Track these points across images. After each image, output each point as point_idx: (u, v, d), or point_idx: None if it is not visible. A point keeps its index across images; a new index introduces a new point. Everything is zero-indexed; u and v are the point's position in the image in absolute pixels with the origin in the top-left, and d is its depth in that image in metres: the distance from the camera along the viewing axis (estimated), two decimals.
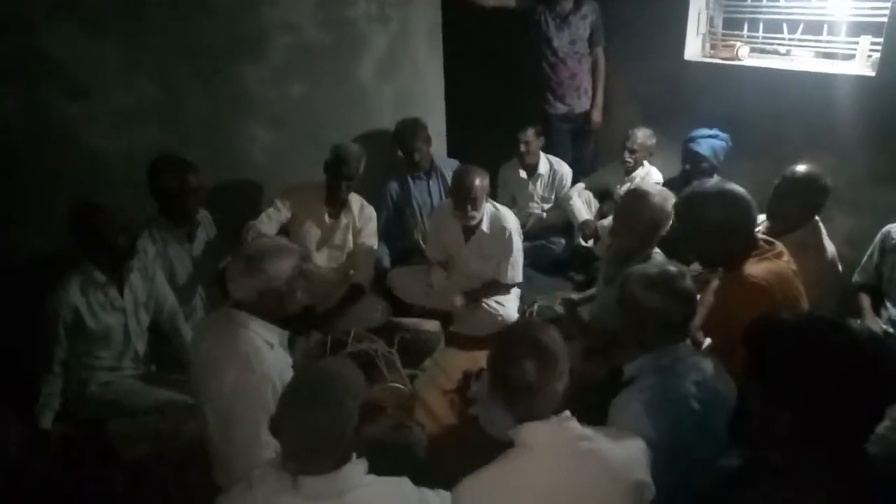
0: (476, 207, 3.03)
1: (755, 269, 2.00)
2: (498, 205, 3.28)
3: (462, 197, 3.00)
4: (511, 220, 3.22)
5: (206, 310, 2.98)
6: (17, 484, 1.90)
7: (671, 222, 2.38)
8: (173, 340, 2.74)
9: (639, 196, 2.44)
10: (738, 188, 2.06)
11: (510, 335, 1.52)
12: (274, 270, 1.90)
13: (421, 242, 3.66)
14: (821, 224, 2.59)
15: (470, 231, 3.20)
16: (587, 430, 1.45)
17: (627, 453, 1.44)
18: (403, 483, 1.47)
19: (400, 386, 2.60)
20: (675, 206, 2.19)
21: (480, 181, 3.00)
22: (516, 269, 3.28)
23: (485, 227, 3.16)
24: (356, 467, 1.40)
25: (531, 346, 1.42)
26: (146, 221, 2.77)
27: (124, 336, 2.54)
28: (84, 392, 2.46)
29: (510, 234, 3.17)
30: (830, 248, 2.58)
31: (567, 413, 1.44)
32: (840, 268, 2.63)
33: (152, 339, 2.70)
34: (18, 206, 2.76)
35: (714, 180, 2.08)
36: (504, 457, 1.42)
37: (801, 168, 2.55)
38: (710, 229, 2.02)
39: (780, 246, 2.09)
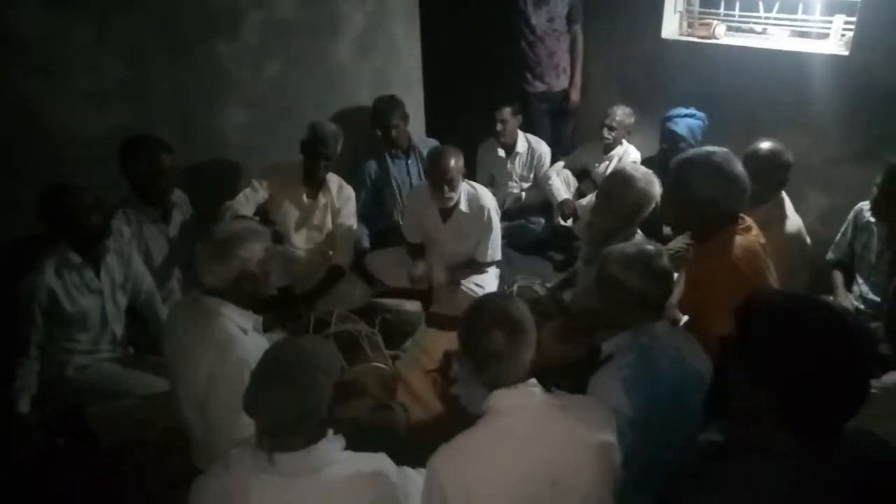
0: (453, 188, 3.02)
1: (729, 244, 2.02)
2: (475, 184, 3.28)
3: (438, 178, 2.99)
4: (489, 199, 3.22)
5: (183, 291, 2.95)
6: None
7: (654, 205, 2.40)
8: (151, 323, 2.72)
9: (625, 178, 2.43)
10: (738, 164, 2.04)
11: (479, 306, 1.55)
12: (245, 254, 1.87)
13: (400, 222, 3.65)
14: (786, 198, 2.63)
15: (448, 212, 3.19)
16: (558, 399, 1.49)
17: (593, 414, 1.49)
18: (381, 458, 1.48)
19: (382, 366, 2.60)
20: (671, 168, 2.14)
21: (456, 162, 2.99)
22: (495, 248, 3.29)
23: (463, 206, 3.16)
24: (332, 444, 1.41)
25: (499, 316, 1.46)
26: (121, 202, 2.73)
27: (101, 319, 2.51)
28: (61, 376, 2.44)
29: (489, 214, 3.18)
30: (796, 221, 2.62)
31: (533, 380, 1.48)
32: (808, 241, 2.68)
33: (129, 322, 2.67)
34: None
35: (717, 150, 2.06)
36: (476, 425, 1.46)
37: (763, 145, 2.60)
38: (701, 199, 2.01)
39: (748, 220, 2.11)
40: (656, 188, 2.39)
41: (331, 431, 1.43)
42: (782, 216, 2.59)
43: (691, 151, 2.16)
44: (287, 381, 1.35)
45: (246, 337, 1.90)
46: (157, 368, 2.44)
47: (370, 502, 1.38)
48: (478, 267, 3.31)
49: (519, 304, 1.52)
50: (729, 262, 1.98)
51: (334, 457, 1.40)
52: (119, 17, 2.89)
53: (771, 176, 2.56)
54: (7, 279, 2.33)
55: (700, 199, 2.01)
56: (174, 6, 3.04)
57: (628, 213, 2.42)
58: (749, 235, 2.07)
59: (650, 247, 1.81)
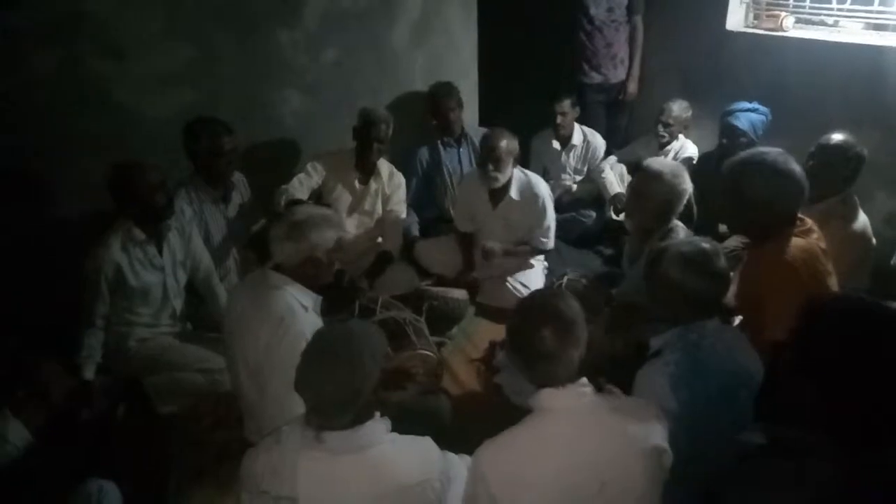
0: (499, 168, 3.01)
1: (785, 246, 1.96)
2: (528, 172, 3.25)
3: (485, 155, 3.01)
4: (542, 187, 3.20)
5: (240, 271, 3.05)
6: (61, 432, 2.00)
7: (688, 198, 2.34)
8: (208, 300, 2.81)
9: (651, 175, 2.39)
10: (794, 165, 1.98)
11: (529, 303, 1.55)
12: (316, 239, 1.95)
13: (451, 210, 3.66)
14: (855, 197, 2.53)
15: (498, 197, 3.19)
16: (608, 400, 1.47)
17: (645, 419, 1.46)
18: (426, 442, 1.51)
19: (428, 353, 2.63)
20: (725, 170, 2.11)
21: (507, 142, 2.99)
22: (549, 235, 3.28)
23: (513, 193, 3.15)
24: (378, 425, 1.44)
25: (549, 313, 1.44)
26: (183, 182, 2.82)
27: (162, 294, 2.61)
28: (123, 347, 2.55)
29: (543, 202, 3.16)
30: (863, 220, 2.52)
31: (584, 380, 1.46)
32: (874, 242, 2.57)
33: (188, 299, 2.77)
34: (58, 166, 2.82)
35: (771, 150, 2.01)
36: (523, 422, 1.45)
37: (834, 135, 2.53)
38: (756, 202, 1.97)
39: (809, 222, 2.05)
40: (685, 181, 2.34)
41: (377, 413, 1.46)
42: (849, 213, 2.50)
43: (744, 153, 2.12)
44: (334, 361, 1.39)
45: (305, 314, 1.96)
46: (213, 344, 2.54)
47: (414, 483, 1.41)
48: (529, 252, 3.29)
49: (570, 302, 1.49)
50: (786, 266, 1.92)
51: (380, 438, 1.43)
52: (187, 3, 2.98)
53: (838, 169, 2.47)
54: (77, 253, 2.44)
55: (755, 201, 1.97)
56: None
57: (658, 209, 2.38)
58: (809, 238, 2.01)
59: (707, 245, 1.77)
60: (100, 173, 2.43)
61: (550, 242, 3.30)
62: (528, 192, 3.15)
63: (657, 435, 1.44)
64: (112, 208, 2.48)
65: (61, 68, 2.74)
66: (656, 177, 2.36)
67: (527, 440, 1.42)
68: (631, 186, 2.53)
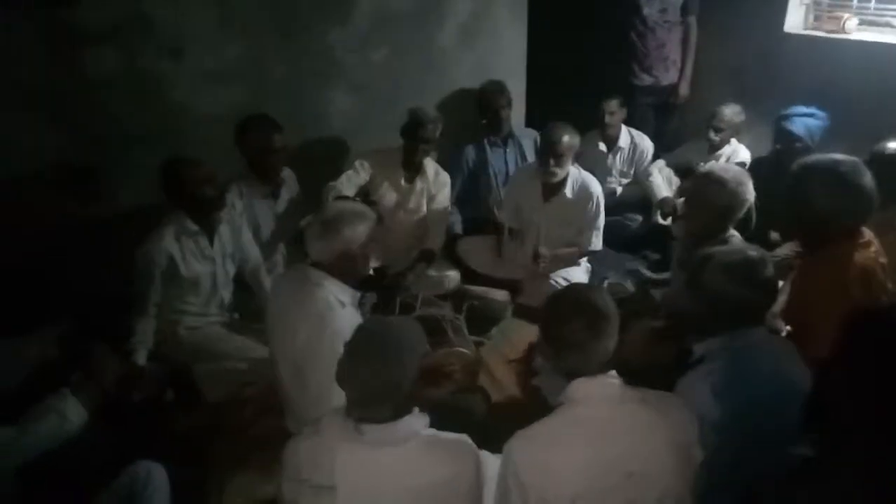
0: (559, 164, 3.00)
1: (840, 259, 1.90)
2: (584, 171, 3.23)
3: (547, 150, 3.00)
4: (597, 187, 3.19)
5: (287, 265, 3.12)
6: (113, 415, 2.08)
7: (747, 207, 2.28)
8: (256, 292, 2.88)
9: (712, 181, 2.31)
10: (866, 178, 1.89)
11: (563, 294, 1.58)
12: (349, 235, 1.98)
13: (495, 210, 3.66)
14: None
15: (551, 192, 3.17)
16: (640, 393, 1.48)
17: (674, 410, 1.47)
18: (463, 439, 1.52)
19: (465, 351, 2.64)
20: (793, 172, 2.04)
21: (570, 138, 2.98)
22: (598, 236, 3.26)
23: (567, 191, 3.14)
24: (417, 419, 1.46)
25: (582, 305, 1.46)
26: (235, 177, 2.90)
27: (212, 284, 2.69)
28: (174, 334, 2.64)
29: (597, 201, 3.15)
30: None
31: (613, 371, 1.47)
32: None
33: (236, 290, 2.85)
34: (114, 161, 2.95)
35: (845, 159, 1.94)
36: (554, 412, 1.47)
37: (891, 143, 2.44)
38: (818, 211, 1.91)
39: (867, 235, 1.97)
40: (748, 190, 2.27)
41: (416, 409, 1.48)
42: None
43: (817, 156, 2.03)
44: (375, 355, 1.42)
45: (343, 310, 1.99)
46: (259, 334, 2.59)
47: (451, 477, 1.43)
48: (576, 254, 3.28)
49: (603, 295, 1.51)
50: (840, 281, 1.86)
51: (418, 432, 1.45)
52: (240, 2, 3.07)
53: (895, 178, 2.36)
54: (131, 245, 2.54)
55: (819, 209, 1.90)
56: None
57: (716, 217, 2.31)
58: (867, 252, 1.93)
59: (753, 253, 1.73)
60: (154, 168, 2.53)
61: (599, 244, 3.28)
62: (583, 191, 3.15)
63: (687, 429, 1.44)
64: (165, 201, 2.57)
65: (119, 67, 2.86)
66: (719, 183, 2.28)
67: (556, 428, 1.45)
68: (690, 190, 2.47)
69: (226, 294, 2.77)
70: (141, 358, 2.50)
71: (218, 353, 2.61)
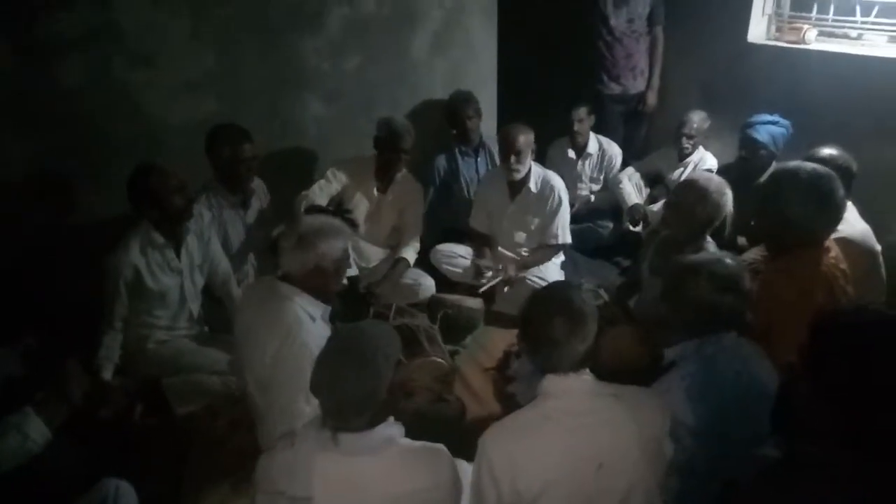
0: (520, 160, 3.15)
1: (802, 266, 1.95)
2: (546, 169, 3.36)
3: (507, 149, 3.14)
4: (558, 181, 3.32)
5: (257, 276, 3.08)
6: (79, 432, 2.03)
7: (721, 217, 2.32)
8: (225, 303, 2.85)
9: (697, 190, 2.37)
10: (838, 190, 1.95)
11: (545, 292, 1.62)
12: (324, 250, 1.96)
13: (468, 220, 3.67)
14: (851, 206, 2.49)
15: (516, 189, 3.29)
16: (614, 388, 1.51)
17: (646, 404, 1.51)
18: (439, 448, 1.52)
19: (440, 360, 2.64)
20: (771, 175, 2.12)
21: (525, 136, 3.13)
22: (564, 229, 3.34)
23: (532, 185, 3.27)
24: (392, 428, 1.46)
25: (563, 304, 1.49)
26: (204, 187, 2.86)
27: (180, 297, 2.64)
28: (142, 349, 2.59)
29: (558, 194, 3.27)
30: (858, 226, 2.47)
31: (586, 369, 1.50)
32: (878, 248, 2.50)
33: (205, 302, 2.80)
34: (83, 170, 2.88)
35: (822, 170, 1.99)
36: (528, 406, 1.51)
37: (823, 150, 2.53)
38: (789, 217, 1.95)
39: (826, 242, 2.03)
40: (729, 200, 2.32)
41: (391, 417, 1.47)
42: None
43: (795, 164, 2.08)
44: (349, 363, 1.40)
45: (313, 324, 1.97)
46: (229, 347, 2.55)
47: (429, 486, 1.42)
48: (547, 253, 3.34)
49: (583, 295, 1.55)
50: (804, 288, 1.91)
51: (394, 441, 1.45)
52: (213, 11, 3.04)
53: None
54: (100, 255, 2.49)
55: (790, 216, 1.95)
56: (264, 2, 3.17)
57: (698, 225, 2.36)
58: (827, 258, 1.98)
59: (730, 261, 1.76)
60: (123, 177, 2.48)
61: (567, 236, 3.35)
62: (545, 185, 3.28)
63: (657, 423, 1.48)
64: (133, 211, 2.52)
65: (90, 76, 2.81)
66: (701, 192, 2.35)
67: (528, 420, 1.47)
68: (673, 199, 2.52)
69: (194, 306, 2.72)
70: (107, 373, 2.45)
71: (187, 366, 2.56)
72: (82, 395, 1.89)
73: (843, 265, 2.02)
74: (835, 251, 2.03)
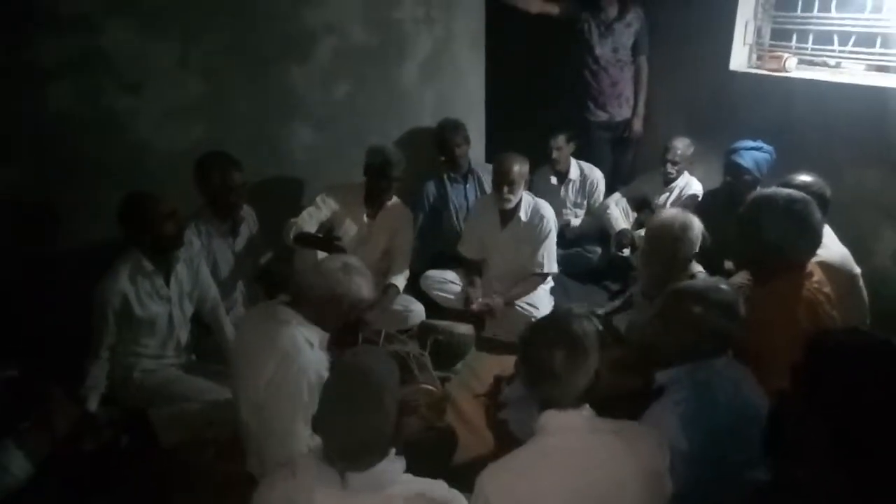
0: (513, 191, 3.17)
1: (786, 293, 1.96)
2: (537, 198, 3.38)
3: (500, 179, 3.16)
4: (548, 210, 3.35)
5: (246, 304, 3.06)
6: (63, 460, 1.98)
7: (697, 247, 2.36)
8: (214, 332, 2.82)
9: (659, 227, 2.46)
10: (815, 214, 1.99)
11: (546, 322, 1.59)
12: (353, 287, 1.98)
13: (457, 247, 3.67)
14: (829, 230, 2.52)
15: (507, 218, 3.31)
16: (613, 425, 1.48)
17: (645, 441, 1.48)
18: (439, 485, 1.50)
19: (431, 388, 2.62)
20: (749, 202, 2.13)
21: (519, 166, 3.16)
22: (550, 257, 3.35)
23: (522, 215, 3.29)
24: (395, 465, 1.43)
25: (563, 336, 1.46)
26: (193, 215, 2.85)
27: (168, 325, 2.61)
28: (128, 378, 2.55)
29: (547, 222, 3.29)
30: (837, 250, 2.50)
31: (586, 405, 1.47)
32: (857, 271, 2.53)
33: (193, 330, 2.77)
34: (70, 196, 2.87)
35: (798, 196, 2.03)
36: (527, 443, 1.47)
37: (798, 177, 2.57)
38: (767, 242, 1.98)
39: (811, 266, 2.06)
40: (692, 230, 2.38)
41: (393, 451, 1.44)
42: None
43: (772, 190, 2.12)
44: (358, 407, 1.37)
45: (311, 350, 1.96)
46: (218, 376, 2.53)
47: None
48: (534, 282, 3.34)
49: (585, 327, 1.50)
50: (786, 313, 1.93)
51: (397, 478, 1.42)
52: (201, 39, 3.06)
53: None
54: (86, 282, 2.46)
55: (769, 242, 1.97)
56: (252, 30, 3.20)
57: (670, 259, 2.41)
58: (810, 282, 2.01)
59: (724, 286, 1.77)
60: (111, 204, 2.47)
61: (553, 265, 3.35)
62: (535, 214, 3.30)
63: (657, 458, 1.45)
64: (122, 239, 2.50)
65: (77, 101, 2.81)
66: (664, 229, 2.42)
67: (527, 459, 1.44)
68: (643, 242, 2.60)
69: (183, 335, 2.69)
70: (93, 403, 2.40)
71: (175, 395, 2.52)
72: (67, 426, 1.86)
73: (827, 289, 2.05)
74: (818, 275, 2.05)
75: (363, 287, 2.01)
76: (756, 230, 2.00)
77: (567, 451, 1.42)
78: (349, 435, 1.37)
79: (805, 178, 2.59)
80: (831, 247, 2.49)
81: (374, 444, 1.38)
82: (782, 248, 1.97)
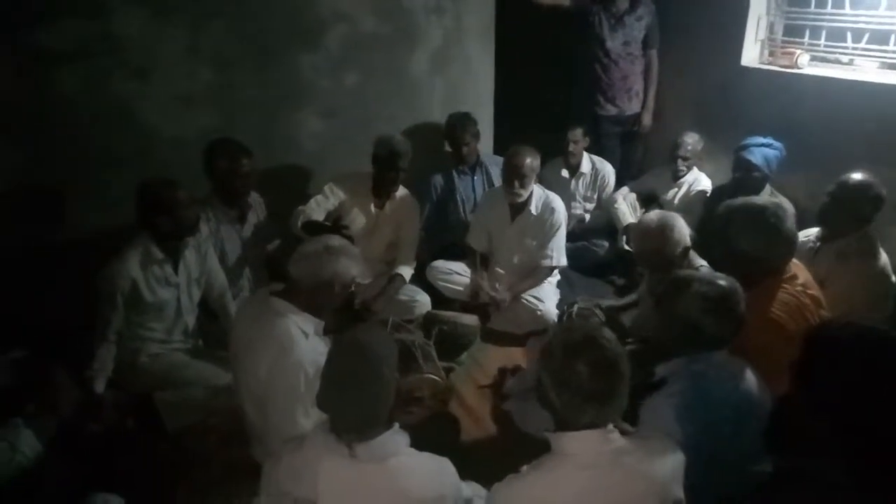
0: (524, 185, 3.15)
1: (769, 301, 1.97)
2: (548, 191, 3.36)
3: (511, 173, 3.14)
4: (559, 203, 3.33)
5: (253, 290, 3.06)
6: (68, 444, 2.00)
7: (684, 245, 2.37)
8: (221, 318, 2.83)
9: (641, 229, 2.47)
10: (786, 222, 2.01)
11: (583, 346, 1.42)
12: (340, 269, 1.98)
13: (464, 238, 3.68)
14: (873, 235, 2.52)
15: (517, 211, 3.29)
16: (629, 444, 1.43)
17: (668, 470, 1.44)
18: (444, 460, 1.53)
19: (435, 377, 2.63)
20: (718, 213, 2.17)
21: (531, 160, 3.13)
22: (559, 251, 3.34)
23: (533, 208, 3.27)
24: (398, 436, 1.47)
25: (600, 357, 1.39)
26: (201, 201, 2.86)
27: (176, 310, 2.63)
28: (135, 362, 2.57)
29: (557, 214, 3.28)
30: (883, 258, 2.50)
31: (611, 426, 1.42)
32: (894, 279, 2.55)
33: (200, 316, 2.79)
34: (78, 181, 2.88)
35: (769, 205, 2.06)
36: (540, 464, 1.43)
37: (855, 175, 2.53)
38: (739, 252, 2.02)
39: (793, 269, 2.07)
40: (675, 230, 2.36)
41: (396, 424, 1.48)
42: (868, 251, 2.49)
43: (742, 200, 2.16)
44: (359, 383, 1.42)
45: (306, 340, 1.97)
46: (223, 361, 2.53)
47: (431, 497, 1.44)
48: (541, 275, 3.33)
49: (622, 353, 1.43)
50: (770, 322, 1.94)
51: (401, 449, 1.46)
52: (211, 26, 3.06)
53: (857, 207, 2.47)
54: (92, 266, 2.47)
55: (740, 251, 2.01)
56: (262, 17, 3.20)
57: (658, 259, 2.40)
58: (792, 287, 2.02)
59: (726, 283, 1.77)
60: (119, 190, 2.49)
61: (562, 259, 3.35)
62: (546, 208, 3.29)
63: (678, 486, 1.44)
64: (129, 223, 2.51)
65: (86, 87, 2.81)
66: (645, 231, 2.43)
67: (542, 486, 1.40)
68: (632, 246, 2.62)
69: (190, 320, 2.71)
70: (100, 386, 2.42)
71: (180, 380, 2.54)
72: (73, 407, 1.88)
73: (813, 291, 2.06)
74: (803, 278, 2.06)
75: (351, 266, 2.01)
76: (728, 239, 2.04)
77: (585, 482, 1.38)
78: (353, 406, 1.41)
79: (861, 177, 2.53)
80: (880, 254, 2.50)
81: (377, 413, 1.43)
82: (755, 255, 2.00)
